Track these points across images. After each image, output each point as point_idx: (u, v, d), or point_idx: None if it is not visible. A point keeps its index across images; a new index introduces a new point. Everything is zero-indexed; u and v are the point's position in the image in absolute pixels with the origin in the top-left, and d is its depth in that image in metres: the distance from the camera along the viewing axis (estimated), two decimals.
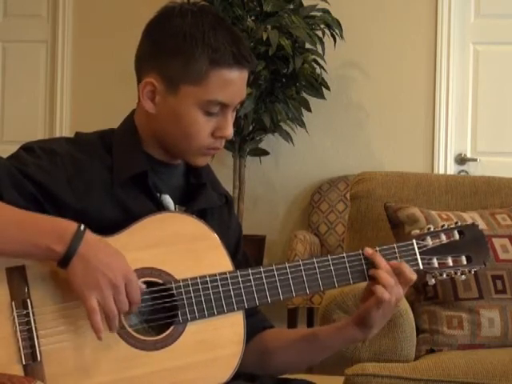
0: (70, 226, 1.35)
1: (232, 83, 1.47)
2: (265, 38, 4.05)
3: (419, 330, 2.36)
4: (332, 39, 4.37)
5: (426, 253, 1.58)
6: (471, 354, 2.25)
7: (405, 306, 2.28)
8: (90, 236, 1.36)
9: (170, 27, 1.48)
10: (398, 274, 1.52)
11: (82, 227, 1.36)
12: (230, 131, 1.51)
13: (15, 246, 1.34)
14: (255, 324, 1.60)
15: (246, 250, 1.68)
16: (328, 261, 1.52)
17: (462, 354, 2.26)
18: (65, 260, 1.34)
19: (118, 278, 1.35)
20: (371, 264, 1.53)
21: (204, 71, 1.45)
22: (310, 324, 4.51)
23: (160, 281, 1.43)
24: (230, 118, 1.51)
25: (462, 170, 4.65)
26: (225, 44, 1.46)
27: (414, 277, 1.53)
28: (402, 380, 2.14)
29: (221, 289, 1.46)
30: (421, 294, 2.40)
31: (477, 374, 2.13)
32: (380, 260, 1.52)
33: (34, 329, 1.34)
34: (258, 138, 4.50)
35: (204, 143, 1.50)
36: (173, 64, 1.47)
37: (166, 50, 1.48)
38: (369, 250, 1.54)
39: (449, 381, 2.13)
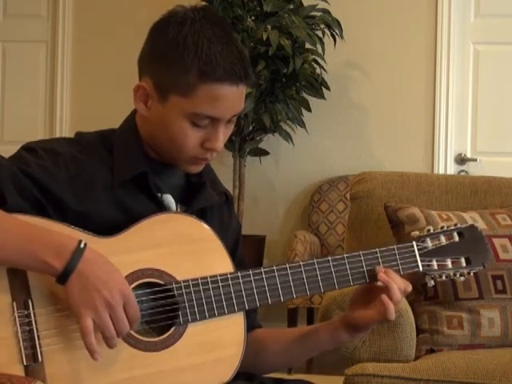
0: (70, 242, 1.34)
1: (222, 98, 1.44)
2: (265, 38, 4.05)
3: (419, 330, 2.36)
4: (332, 39, 4.37)
5: (426, 255, 1.58)
6: (471, 354, 2.25)
7: (405, 305, 2.29)
8: (89, 253, 1.34)
9: (168, 34, 1.45)
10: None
11: (82, 244, 1.34)
12: (219, 144, 1.48)
13: (14, 258, 1.33)
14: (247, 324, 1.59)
15: (244, 251, 1.68)
16: (328, 262, 1.52)
17: (462, 354, 2.25)
18: (63, 276, 1.33)
19: (116, 297, 1.33)
20: (371, 266, 1.54)
21: (193, 83, 1.43)
22: (309, 324, 4.51)
23: (161, 282, 1.43)
24: (221, 130, 1.48)
25: (462, 170, 4.65)
26: (217, 58, 1.42)
27: (409, 288, 1.54)
28: (402, 380, 2.14)
29: (221, 290, 1.45)
30: (421, 294, 2.40)
31: (477, 373, 2.13)
32: (395, 288, 1.51)
33: (35, 329, 1.34)
34: (258, 138, 4.50)
35: (192, 153, 1.49)
36: (164, 72, 1.45)
37: (160, 57, 1.46)
38: (384, 277, 1.51)
39: (449, 381, 2.13)
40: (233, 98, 1.45)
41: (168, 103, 1.46)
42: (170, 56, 1.44)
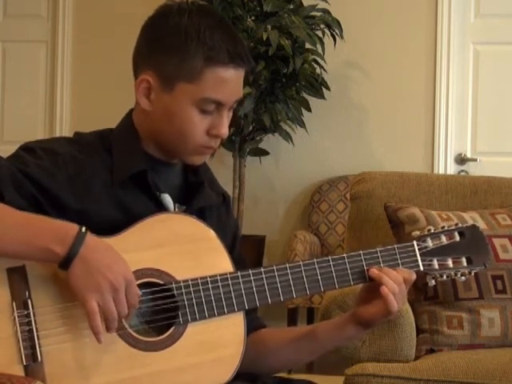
0: (71, 228, 1.35)
1: (227, 82, 1.48)
2: (265, 38, 4.05)
3: (419, 330, 2.36)
4: (332, 39, 4.37)
5: (427, 254, 1.58)
6: (471, 354, 2.25)
7: (405, 305, 2.28)
8: (90, 238, 1.36)
9: (167, 25, 1.49)
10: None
11: (84, 229, 1.35)
12: (224, 130, 1.51)
13: (16, 247, 1.34)
14: (247, 324, 1.59)
15: (244, 251, 1.68)
16: (328, 261, 1.53)
17: (462, 354, 2.25)
18: (66, 262, 1.34)
19: (119, 280, 1.35)
20: (372, 265, 1.54)
21: (199, 69, 1.46)
22: (309, 324, 4.51)
23: (160, 281, 1.43)
24: (226, 116, 1.51)
25: (462, 170, 4.65)
26: (220, 43, 1.46)
27: (413, 276, 1.55)
28: (402, 380, 2.14)
29: (221, 289, 1.46)
30: (421, 293, 2.40)
31: (477, 373, 2.13)
32: (387, 279, 1.52)
33: (34, 329, 1.34)
34: (258, 138, 4.50)
35: (199, 142, 1.50)
36: (168, 62, 1.47)
37: (162, 48, 1.48)
38: (375, 272, 1.53)
39: (449, 381, 2.13)
40: (236, 81, 1.49)
41: (175, 92, 1.47)
42: (172, 45, 1.47)
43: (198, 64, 1.46)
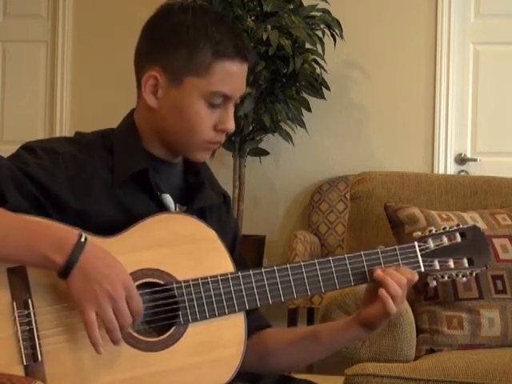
0: (70, 237, 1.35)
1: (234, 75, 1.50)
2: (265, 38, 4.05)
3: (419, 330, 2.37)
4: (332, 39, 4.37)
5: (428, 255, 1.58)
6: (471, 354, 2.25)
7: (405, 305, 2.28)
8: (90, 247, 1.35)
9: (172, 22, 1.50)
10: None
11: (83, 238, 1.35)
12: (231, 124, 1.52)
13: (15, 254, 1.34)
14: (250, 323, 1.59)
15: (244, 251, 1.68)
16: (329, 262, 1.53)
17: (462, 354, 2.26)
18: (65, 271, 1.33)
19: (118, 289, 1.34)
20: (372, 266, 1.54)
21: (208, 62, 1.47)
22: (309, 324, 4.51)
23: (161, 282, 1.43)
24: (232, 111, 1.53)
25: (462, 170, 4.65)
26: (227, 37, 1.49)
27: (415, 277, 1.55)
28: (402, 380, 2.14)
29: (222, 290, 1.46)
30: (421, 294, 2.40)
31: (477, 373, 2.13)
32: (391, 282, 1.52)
33: (35, 329, 1.34)
34: (258, 138, 4.50)
35: (206, 137, 1.51)
36: (176, 57, 1.49)
37: (168, 44, 1.49)
38: (380, 274, 1.53)
39: (449, 381, 2.13)
40: (242, 75, 1.52)
41: (183, 86, 1.48)
42: (179, 40, 1.48)
43: (206, 58, 1.47)
